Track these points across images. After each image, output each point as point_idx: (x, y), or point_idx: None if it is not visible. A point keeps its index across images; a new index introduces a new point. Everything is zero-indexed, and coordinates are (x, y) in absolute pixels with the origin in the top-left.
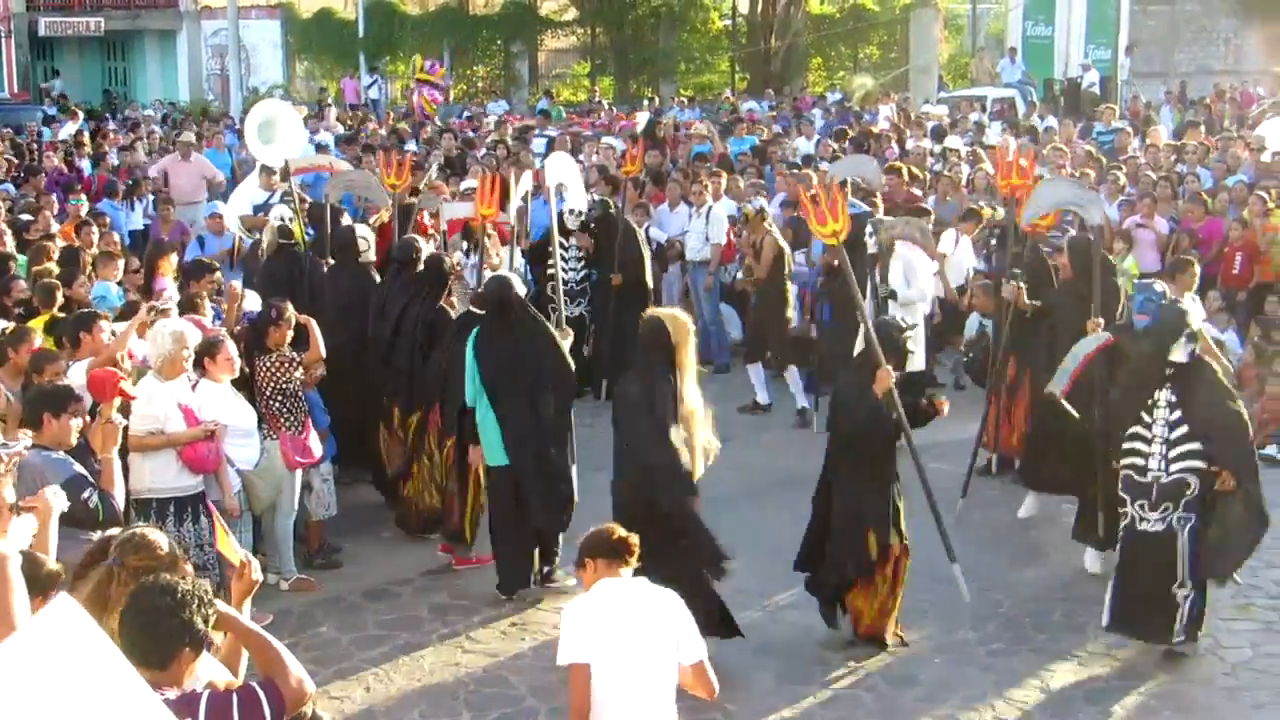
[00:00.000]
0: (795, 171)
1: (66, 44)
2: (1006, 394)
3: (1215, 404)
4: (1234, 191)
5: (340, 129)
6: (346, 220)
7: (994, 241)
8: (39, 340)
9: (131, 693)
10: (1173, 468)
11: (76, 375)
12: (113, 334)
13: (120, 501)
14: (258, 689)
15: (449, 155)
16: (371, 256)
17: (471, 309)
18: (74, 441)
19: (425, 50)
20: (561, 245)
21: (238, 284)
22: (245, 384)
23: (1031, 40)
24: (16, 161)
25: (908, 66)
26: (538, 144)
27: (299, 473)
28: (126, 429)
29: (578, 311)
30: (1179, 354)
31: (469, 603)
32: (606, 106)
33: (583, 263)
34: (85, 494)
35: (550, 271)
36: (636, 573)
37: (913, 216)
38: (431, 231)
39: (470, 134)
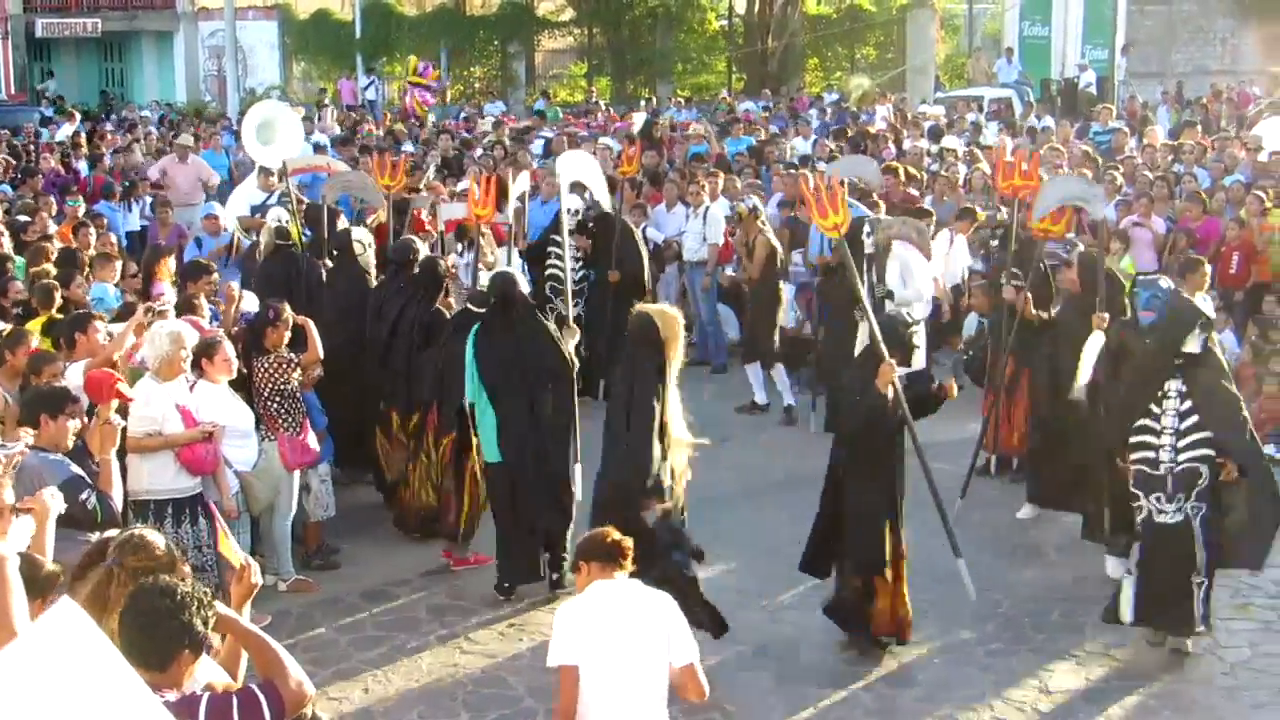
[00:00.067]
0: (792, 172)
1: (63, 45)
2: (1005, 394)
3: (1214, 389)
4: (1231, 191)
5: (337, 130)
6: (343, 222)
7: (994, 242)
8: (36, 342)
9: (132, 696)
10: (1183, 457)
11: (73, 376)
12: (109, 335)
13: (118, 503)
14: (257, 691)
15: (446, 156)
16: (370, 258)
17: (469, 307)
18: (71, 443)
19: (422, 51)
20: (559, 245)
21: (235, 285)
22: (243, 385)
23: (1028, 40)
24: (13, 163)
25: (904, 67)
26: (536, 145)
27: (297, 474)
28: (124, 430)
29: (575, 311)
30: (1193, 345)
31: (467, 603)
32: (603, 107)
33: (580, 262)
34: (83, 495)
35: (550, 271)
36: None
37: (913, 217)
38: (429, 230)
39: (465, 135)
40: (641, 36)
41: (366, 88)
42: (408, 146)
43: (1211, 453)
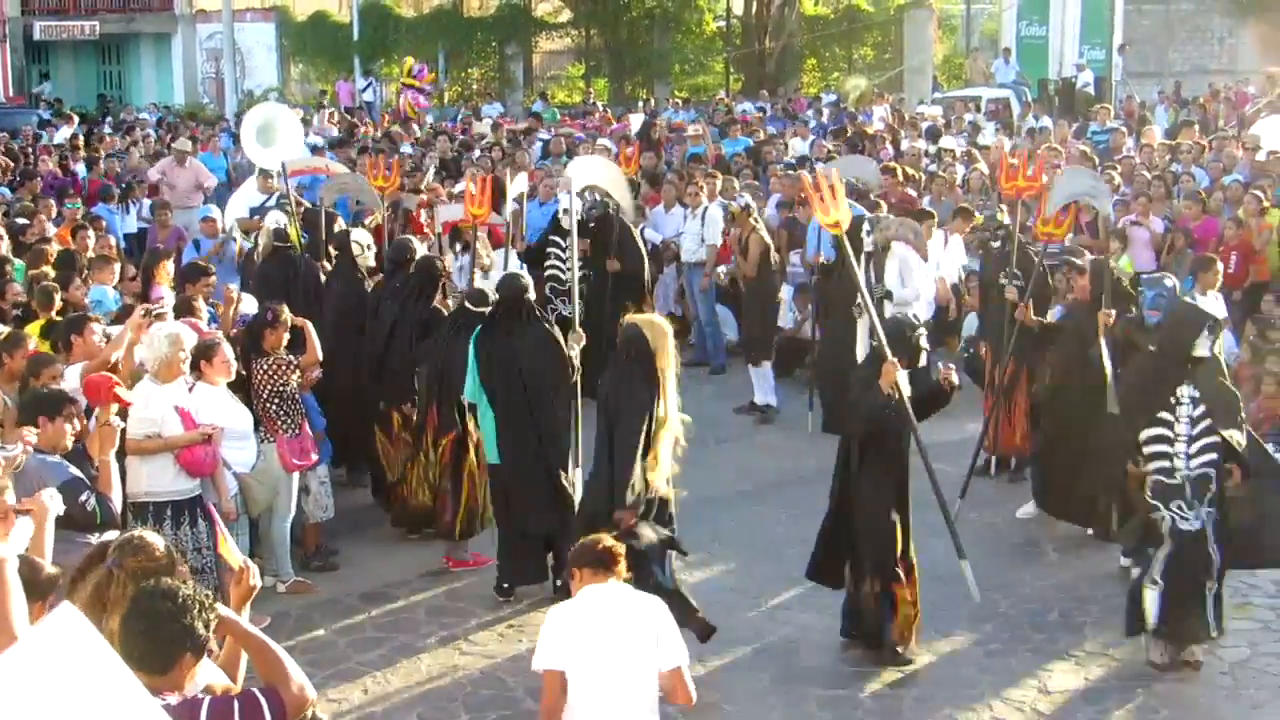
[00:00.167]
0: (790, 173)
1: (61, 48)
2: (1005, 394)
3: (1217, 389)
4: (1229, 191)
5: (334, 131)
6: (340, 224)
7: (996, 243)
8: (34, 344)
9: (132, 700)
10: (1194, 463)
11: (70, 379)
12: (105, 336)
13: (117, 504)
14: (259, 695)
15: (444, 158)
16: (370, 259)
17: (466, 306)
18: (69, 445)
19: (420, 53)
20: (558, 245)
21: (234, 287)
22: (242, 387)
23: (1026, 40)
24: (11, 165)
25: (902, 67)
26: (535, 148)
27: (296, 475)
28: (124, 432)
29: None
30: (1202, 349)
31: (466, 604)
32: (601, 109)
33: (580, 262)
34: (83, 497)
35: (549, 272)
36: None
37: (915, 219)
38: (427, 233)
39: (461, 137)
40: (639, 38)
41: (364, 89)
42: (406, 148)
43: (1218, 456)
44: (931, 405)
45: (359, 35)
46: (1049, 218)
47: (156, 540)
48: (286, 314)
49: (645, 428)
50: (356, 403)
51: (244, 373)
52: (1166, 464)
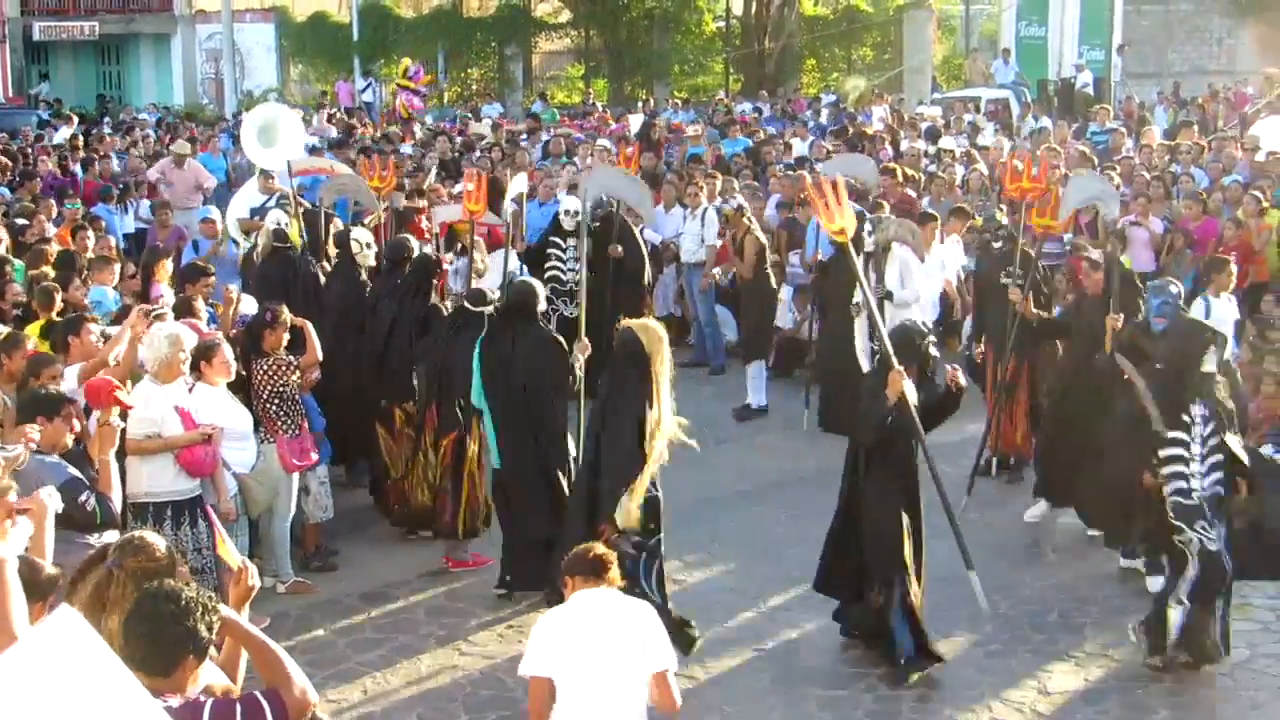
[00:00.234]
0: (790, 173)
1: (61, 48)
2: (1006, 392)
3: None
4: (1229, 191)
5: (333, 132)
6: (338, 224)
7: (997, 244)
8: (32, 345)
9: (133, 702)
10: (1206, 481)
11: (68, 379)
12: (102, 336)
13: (117, 505)
14: (261, 699)
15: (444, 158)
16: (370, 259)
17: (465, 305)
18: (69, 444)
19: (419, 53)
20: (558, 246)
21: (234, 288)
22: (241, 387)
23: (1025, 41)
24: (9, 164)
25: (901, 68)
26: (535, 151)
27: (296, 475)
28: (124, 432)
29: (575, 313)
30: (1210, 364)
31: (465, 605)
32: (600, 109)
33: (580, 263)
34: (82, 497)
35: (550, 274)
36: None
37: (918, 221)
38: (427, 238)
39: (459, 138)
40: (639, 38)
41: (364, 90)
42: (406, 149)
43: (1223, 473)
44: (940, 412)
45: (358, 36)
46: (1043, 207)
47: (157, 541)
48: (286, 314)
49: (638, 435)
50: (356, 402)
51: (244, 373)
52: (1184, 484)
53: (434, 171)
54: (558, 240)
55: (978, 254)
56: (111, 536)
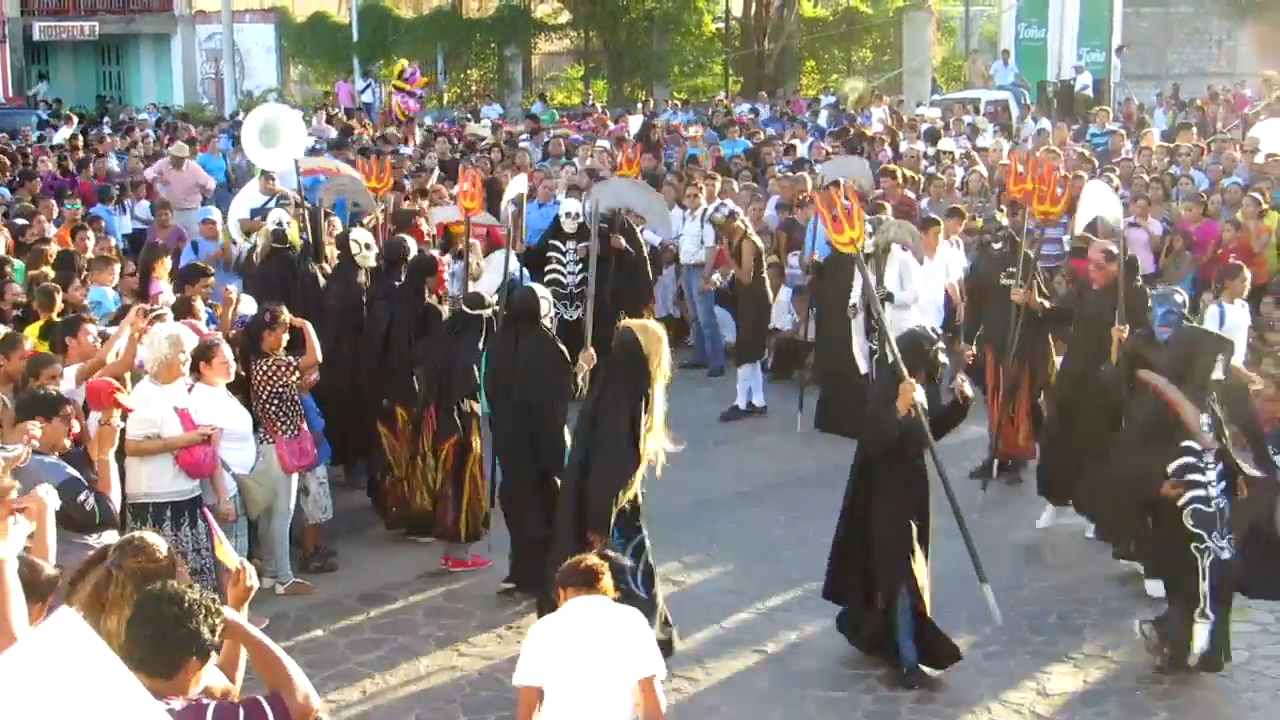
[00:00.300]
0: (789, 175)
1: (61, 48)
2: (1008, 394)
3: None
4: (1228, 193)
5: (333, 133)
6: (337, 224)
7: (997, 245)
8: (31, 345)
9: (134, 704)
10: (1217, 489)
11: (66, 380)
12: (100, 336)
13: (116, 505)
14: (264, 703)
15: (443, 159)
16: (371, 260)
17: (463, 309)
18: (67, 445)
19: (419, 54)
20: (558, 249)
21: (233, 288)
22: (241, 388)
23: (1024, 42)
24: (8, 163)
25: (901, 69)
26: (537, 152)
27: (295, 476)
28: (123, 433)
29: (576, 315)
30: (1218, 372)
31: (464, 606)
32: (599, 110)
33: (580, 266)
34: (81, 496)
35: (550, 275)
36: None
37: (922, 226)
38: (427, 240)
39: (454, 140)
40: (638, 39)
41: (363, 91)
42: (406, 150)
43: (1227, 483)
44: (946, 423)
45: (358, 36)
46: (1045, 193)
47: (158, 542)
48: (285, 315)
49: (631, 435)
50: (355, 402)
51: (243, 374)
52: (1202, 492)
53: (436, 172)
54: (557, 243)
55: (976, 255)
56: (111, 537)
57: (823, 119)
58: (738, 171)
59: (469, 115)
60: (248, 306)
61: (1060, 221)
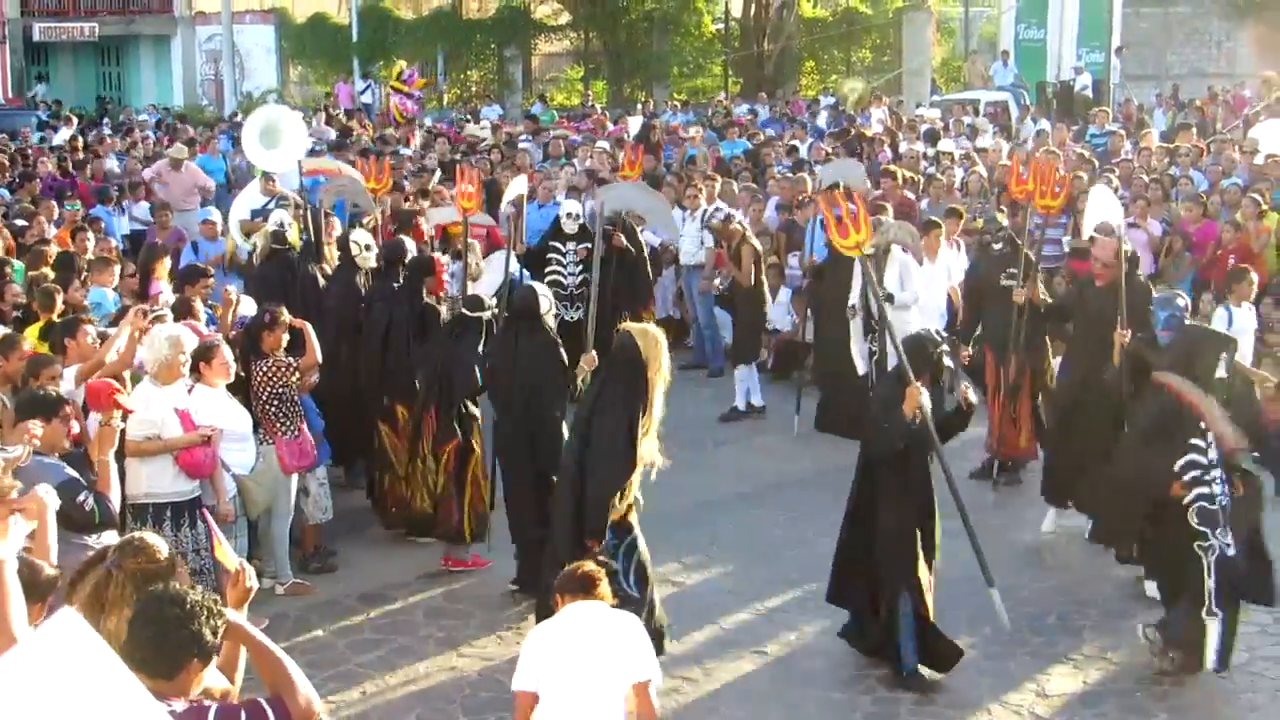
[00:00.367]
0: (789, 175)
1: (61, 49)
2: (1010, 395)
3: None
4: (1227, 194)
5: (332, 134)
6: (337, 225)
7: (997, 246)
8: (29, 346)
9: (136, 705)
10: (1220, 488)
11: (65, 380)
12: (99, 337)
13: (116, 505)
14: (265, 706)
15: (443, 161)
16: (371, 261)
17: (463, 312)
18: (66, 446)
19: (419, 55)
20: (559, 250)
21: (233, 289)
22: (241, 389)
23: (1024, 43)
24: (7, 165)
25: (900, 70)
26: (538, 153)
27: (295, 476)
28: (123, 433)
29: (576, 316)
30: (1221, 370)
31: (464, 606)
32: (599, 111)
33: (581, 267)
34: (80, 497)
35: (551, 277)
36: None
37: (924, 229)
38: (428, 240)
39: (454, 144)
40: (638, 40)
41: (363, 92)
42: (407, 151)
43: (1225, 481)
44: (949, 430)
45: (358, 37)
46: (1045, 190)
47: (158, 542)
48: (285, 316)
49: (628, 438)
50: (355, 403)
51: (243, 375)
52: (1206, 490)
53: (438, 173)
54: (557, 244)
55: (976, 255)
56: (110, 537)
57: (822, 120)
58: (737, 172)
59: (467, 116)
60: (247, 307)
61: (1060, 222)
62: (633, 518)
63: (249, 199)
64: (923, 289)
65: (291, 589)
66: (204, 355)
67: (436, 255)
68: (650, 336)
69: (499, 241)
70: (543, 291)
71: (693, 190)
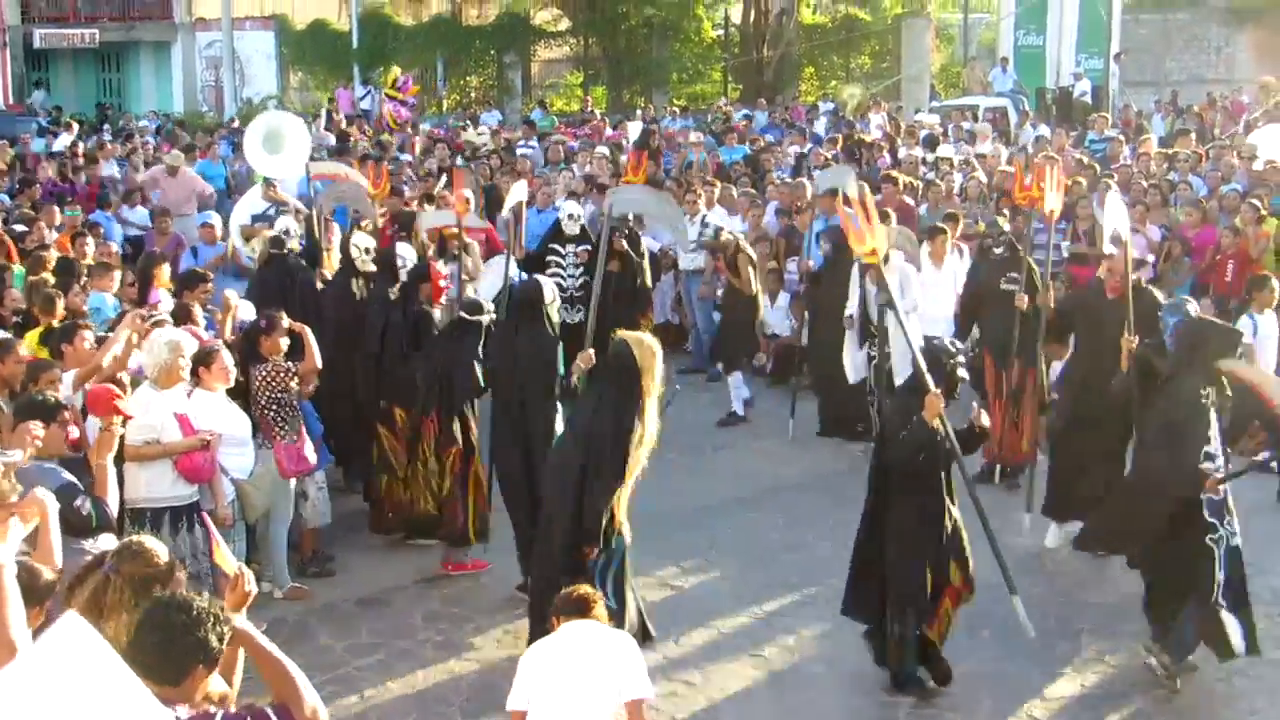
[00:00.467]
0: (788, 181)
1: (61, 55)
2: (1012, 399)
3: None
4: (1226, 200)
5: (332, 139)
6: (337, 231)
7: (998, 250)
8: (25, 350)
9: (143, 710)
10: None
11: (64, 385)
12: (97, 342)
13: (114, 509)
14: (271, 715)
15: (442, 166)
16: (371, 264)
17: (462, 315)
18: (64, 451)
19: (418, 61)
20: (558, 253)
21: (232, 294)
22: (240, 393)
23: (1023, 49)
24: (4, 169)
25: (899, 76)
26: (539, 157)
27: (293, 481)
28: (123, 438)
29: (577, 319)
30: (1233, 361)
31: (462, 610)
32: (598, 117)
33: (581, 270)
34: (77, 501)
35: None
36: None
37: (929, 234)
38: (426, 243)
39: (450, 147)
40: (637, 46)
41: (363, 98)
42: (406, 156)
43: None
44: (962, 448)
45: (358, 43)
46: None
47: (157, 547)
48: (283, 320)
49: (623, 449)
50: (354, 406)
51: (242, 379)
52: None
53: (444, 179)
54: (557, 247)
55: (976, 259)
56: (108, 541)
57: (821, 126)
58: (737, 178)
59: (464, 122)
60: (247, 312)
61: (1058, 227)
62: (620, 526)
63: (250, 204)
64: (926, 296)
65: (290, 593)
66: (203, 360)
67: (434, 262)
68: (646, 346)
69: (498, 246)
70: (548, 284)
71: (692, 196)
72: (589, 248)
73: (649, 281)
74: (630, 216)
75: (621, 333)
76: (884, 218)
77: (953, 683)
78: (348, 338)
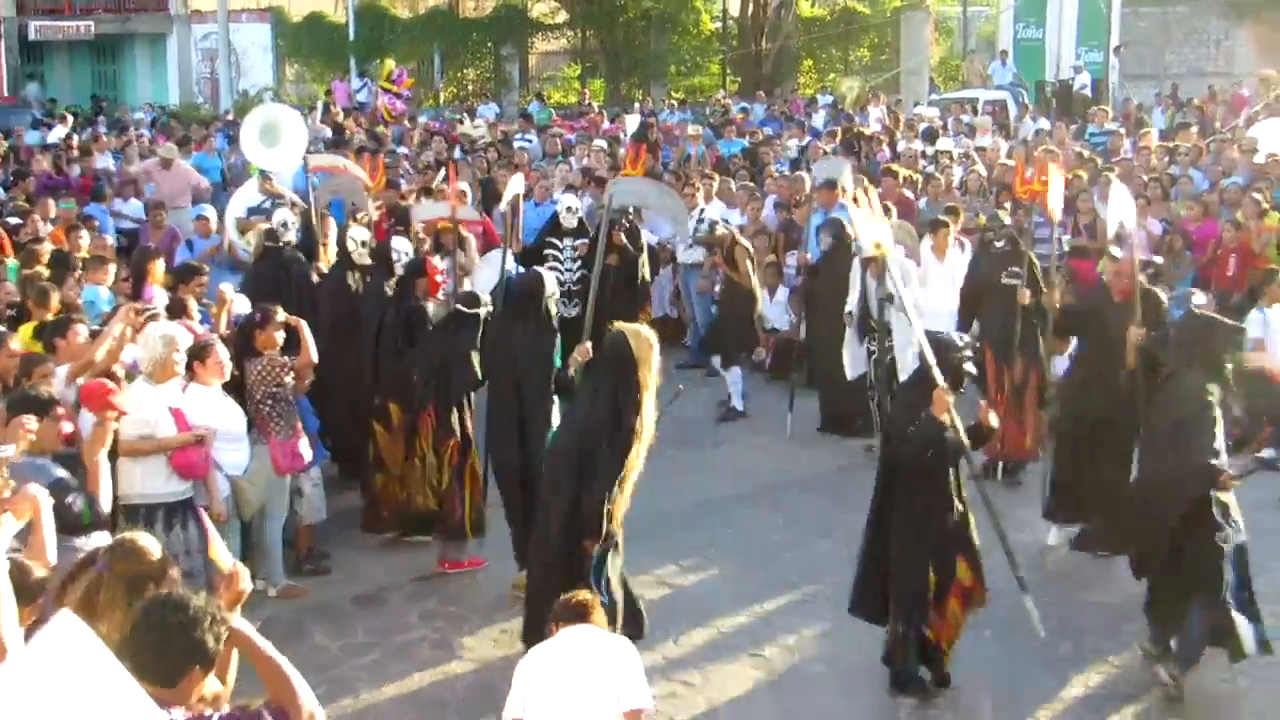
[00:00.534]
0: (787, 174)
1: (56, 48)
2: (1014, 395)
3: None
4: (1228, 194)
5: (328, 132)
6: (333, 224)
7: (999, 243)
8: (15, 345)
9: (138, 713)
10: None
11: (57, 380)
12: (91, 335)
13: (107, 506)
14: (268, 717)
15: (439, 159)
16: (367, 258)
17: (459, 309)
18: (57, 446)
19: (415, 53)
20: (556, 246)
21: (227, 287)
22: (235, 388)
23: (1022, 42)
24: (1, 161)
25: (899, 69)
26: (538, 150)
27: (288, 477)
28: (116, 433)
29: (575, 312)
30: (1236, 355)
31: (459, 609)
32: (597, 109)
33: (579, 263)
34: (69, 498)
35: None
36: None
37: (931, 227)
38: (423, 237)
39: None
40: (635, 38)
41: (359, 90)
42: (403, 149)
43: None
44: (972, 442)
45: (354, 36)
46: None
47: (150, 544)
48: (278, 313)
49: (622, 442)
50: (350, 401)
51: (237, 373)
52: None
53: (443, 172)
54: (555, 240)
55: (976, 252)
56: (101, 538)
57: (820, 119)
58: (735, 171)
59: (460, 115)
60: (242, 306)
61: (1059, 221)
62: (614, 522)
63: (246, 197)
64: (928, 290)
65: (284, 591)
66: (199, 354)
67: (429, 256)
68: (642, 338)
69: (495, 239)
70: (548, 277)
71: (690, 189)
72: (587, 241)
73: (648, 276)
74: (630, 209)
75: (618, 324)
76: (884, 211)
77: (955, 684)
78: (344, 332)
